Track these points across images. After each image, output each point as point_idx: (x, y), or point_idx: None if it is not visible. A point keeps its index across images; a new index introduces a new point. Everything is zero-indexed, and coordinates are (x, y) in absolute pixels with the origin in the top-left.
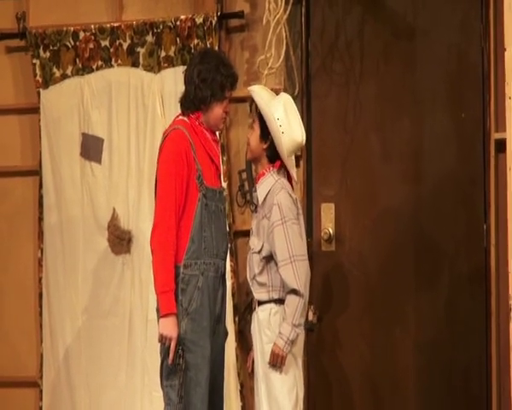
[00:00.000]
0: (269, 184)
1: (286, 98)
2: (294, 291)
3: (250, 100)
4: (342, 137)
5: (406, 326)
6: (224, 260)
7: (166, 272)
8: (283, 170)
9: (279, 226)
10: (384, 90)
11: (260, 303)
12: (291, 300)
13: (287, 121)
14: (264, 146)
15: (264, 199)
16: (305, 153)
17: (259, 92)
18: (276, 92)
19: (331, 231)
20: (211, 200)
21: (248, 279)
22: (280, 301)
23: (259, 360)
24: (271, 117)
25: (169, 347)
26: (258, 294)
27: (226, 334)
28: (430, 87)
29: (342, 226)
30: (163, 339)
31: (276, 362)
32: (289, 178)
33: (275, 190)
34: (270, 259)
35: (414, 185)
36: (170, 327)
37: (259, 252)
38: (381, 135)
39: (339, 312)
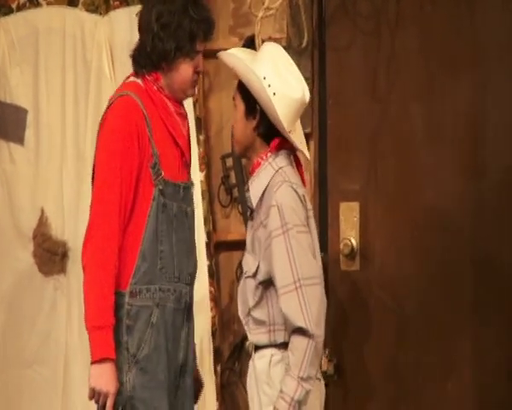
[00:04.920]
0: (266, 176)
1: (271, 48)
2: (301, 330)
3: None
4: (370, 108)
5: (462, 379)
6: (191, 285)
7: (102, 300)
8: (287, 152)
9: (279, 237)
10: (430, 42)
11: (258, 348)
12: (296, 343)
13: (277, 77)
14: (254, 123)
15: (261, 199)
16: (317, 130)
17: (234, 53)
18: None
19: (354, 243)
20: (171, 198)
21: (241, 316)
22: (285, 346)
23: None
24: (252, 76)
25: (104, 407)
26: (255, 335)
27: (201, 385)
28: (497, 37)
29: (370, 236)
30: (95, 396)
31: None
32: (298, 164)
33: (273, 185)
34: (269, 285)
35: (473, 180)
36: (105, 378)
37: (255, 276)
38: (425, 105)
39: (365, 358)
